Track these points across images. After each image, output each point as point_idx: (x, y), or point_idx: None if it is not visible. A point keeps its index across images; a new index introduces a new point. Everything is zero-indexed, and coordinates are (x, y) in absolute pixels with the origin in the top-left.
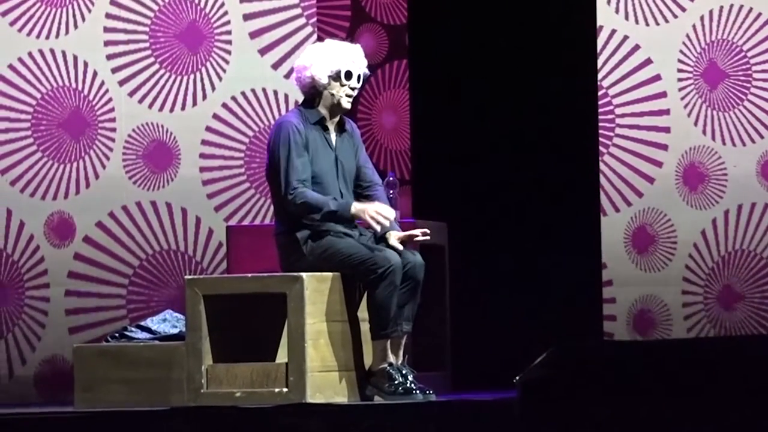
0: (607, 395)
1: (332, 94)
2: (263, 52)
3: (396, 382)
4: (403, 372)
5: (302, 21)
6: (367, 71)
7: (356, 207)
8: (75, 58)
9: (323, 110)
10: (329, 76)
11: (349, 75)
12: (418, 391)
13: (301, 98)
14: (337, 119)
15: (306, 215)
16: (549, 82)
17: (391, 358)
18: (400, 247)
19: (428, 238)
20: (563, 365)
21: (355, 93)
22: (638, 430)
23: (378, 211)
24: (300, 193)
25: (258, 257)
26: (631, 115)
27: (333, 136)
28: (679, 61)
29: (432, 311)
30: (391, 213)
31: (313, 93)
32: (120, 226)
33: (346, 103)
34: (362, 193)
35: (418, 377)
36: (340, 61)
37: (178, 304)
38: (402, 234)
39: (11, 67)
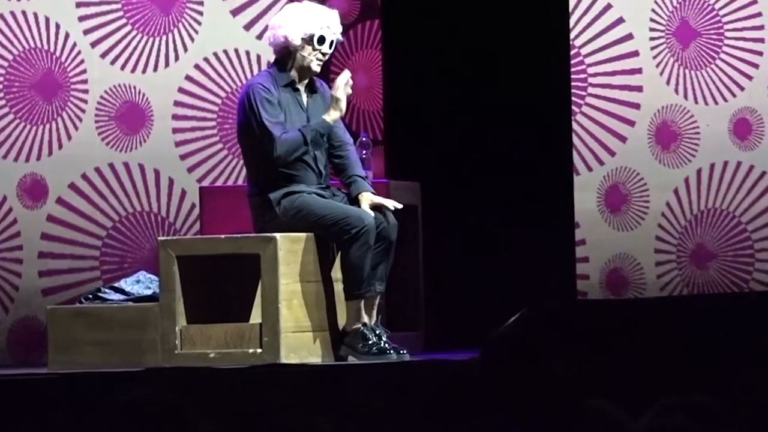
0: (570, 353)
1: (303, 56)
2: (235, 12)
3: (370, 342)
4: (377, 332)
5: None
6: (340, 37)
7: (330, 116)
8: (47, 19)
9: (293, 73)
10: (302, 39)
11: (321, 40)
12: (392, 351)
13: (273, 59)
14: (306, 81)
15: (294, 154)
16: (521, 42)
17: (365, 318)
18: (371, 213)
19: (400, 207)
20: (527, 324)
21: (326, 58)
22: (598, 387)
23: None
24: (280, 141)
25: (231, 218)
26: (603, 74)
27: (304, 97)
28: (651, 20)
29: (405, 271)
30: (346, 78)
31: (284, 53)
32: (93, 187)
33: (316, 67)
34: (333, 153)
35: (392, 337)
36: (314, 24)
37: (152, 265)
38: (375, 200)
39: None
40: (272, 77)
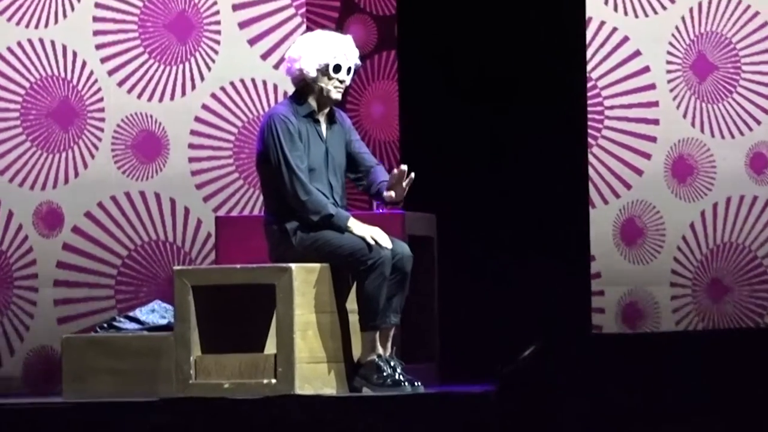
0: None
1: (321, 87)
2: (252, 42)
3: (384, 373)
4: (392, 364)
5: (291, 11)
6: (358, 62)
7: (353, 223)
8: (64, 47)
9: (313, 102)
10: (317, 70)
11: (337, 68)
12: (406, 383)
13: (290, 89)
14: (327, 111)
15: (304, 212)
16: (538, 75)
17: (380, 350)
18: (389, 245)
19: (412, 176)
20: (549, 359)
21: (344, 85)
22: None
23: (374, 236)
24: (306, 188)
25: (246, 248)
26: (620, 107)
27: (323, 128)
28: (668, 53)
29: (420, 303)
30: (387, 243)
31: (302, 84)
32: (109, 216)
33: (336, 95)
34: (363, 178)
35: (407, 369)
36: (328, 54)
37: (167, 294)
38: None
39: (0, 56)
40: (292, 107)
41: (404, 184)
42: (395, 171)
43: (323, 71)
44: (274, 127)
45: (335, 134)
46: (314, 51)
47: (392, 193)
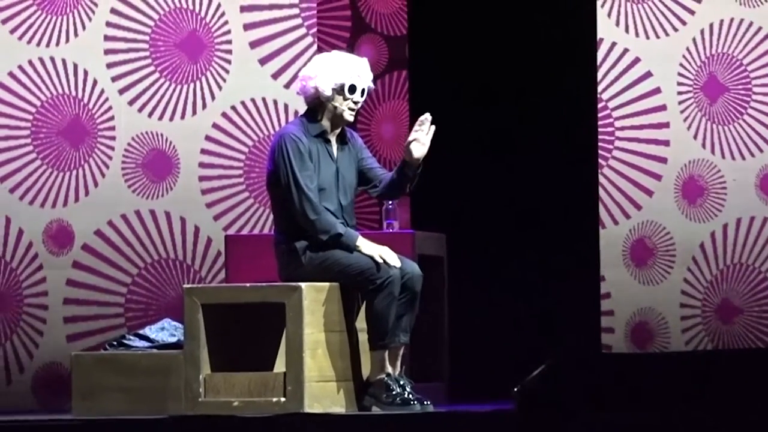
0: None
1: (335, 107)
2: (263, 61)
3: (394, 392)
4: (401, 383)
5: (302, 31)
6: (371, 85)
7: (362, 241)
8: (75, 66)
9: (325, 122)
10: (333, 89)
11: (353, 89)
12: (415, 402)
13: (301, 108)
14: (338, 131)
15: (313, 231)
16: (549, 95)
17: (389, 369)
18: (398, 263)
19: (428, 118)
20: (561, 378)
21: (358, 106)
22: None
23: (383, 256)
24: (315, 208)
25: (256, 267)
26: (630, 128)
27: (334, 148)
28: (679, 74)
29: (430, 322)
30: (396, 262)
31: (316, 104)
32: (119, 234)
33: (349, 116)
34: (376, 186)
35: (416, 388)
36: (344, 74)
37: (177, 312)
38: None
39: (11, 74)
40: (304, 126)
41: (427, 133)
42: (420, 119)
43: (339, 91)
44: (285, 146)
45: (346, 154)
46: (331, 70)
47: (412, 149)
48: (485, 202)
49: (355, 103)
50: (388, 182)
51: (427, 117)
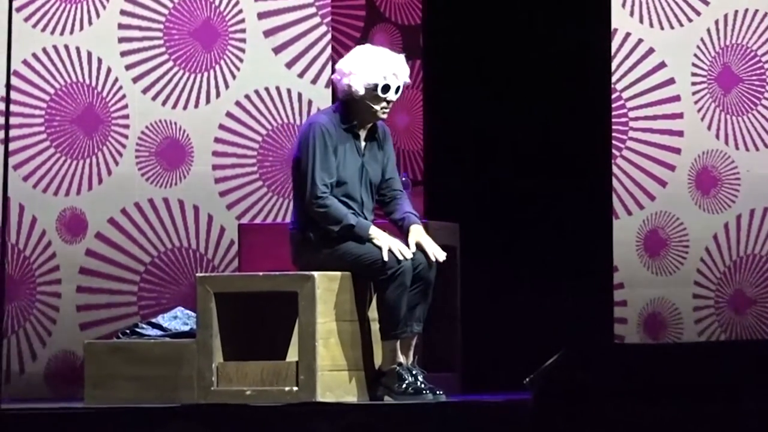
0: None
1: (368, 105)
2: (277, 50)
3: (406, 382)
4: (413, 372)
5: (317, 20)
6: (407, 80)
7: (374, 231)
8: (89, 54)
9: (357, 118)
10: (366, 88)
11: (386, 89)
12: (428, 392)
13: (315, 97)
14: (369, 126)
15: (324, 223)
16: (563, 85)
17: (401, 359)
18: (409, 255)
19: (442, 259)
20: (578, 368)
21: (391, 105)
22: None
23: (394, 246)
24: (323, 201)
25: (269, 256)
26: (644, 118)
27: (362, 143)
28: (693, 65)
29: (443, 312)
30: (408, 253)
31: (348, 99)
32: (132, 222)
33: (382, 115)
34: (384, 200)
35: (429, 378)
36: (378, 73)
37: (190, 301)
38: (422, 240)
39: (25, 62)
40: (335, 118)
41: (430, 255)
42: (438, 255)
43: (371, 90)
44: (312, 136)
45: (374, 150)
46: (365, 69)
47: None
48: (499, 192)
49: (389, 102)
50: (389, 213)
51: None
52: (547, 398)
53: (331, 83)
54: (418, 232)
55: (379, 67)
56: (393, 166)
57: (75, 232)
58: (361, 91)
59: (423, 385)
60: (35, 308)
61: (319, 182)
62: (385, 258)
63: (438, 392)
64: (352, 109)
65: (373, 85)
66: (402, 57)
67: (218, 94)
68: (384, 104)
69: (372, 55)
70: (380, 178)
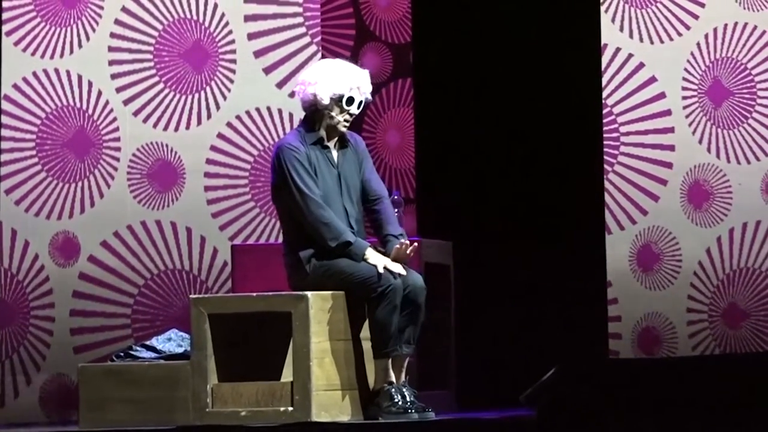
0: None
1: (331, 116)
2: (268, 71)
3: (394, 401)
4: (403, 391)
5: (307, 40)
6: (369, 97)
7: (371, 253)
8: (80, 77)
9: (322, 131)
10: (331, 98)
11: (350, 101)
12: (413, 411)
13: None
14: (336, 138)
15: (323, 235)
16: (554, 101)
17: (392, 377)
18: (403, 273)
19: (415, 246)
20: (578, 384)
21: (353, 118)
22: None
23: (387, 266)
24: (323, 212)
25: (263, 276)
26: (635, 133)
27: (335, 154)
28: (684, 79)
29: (437, 330)
30: (401, 271)
31: (312, 110)
32: (125, 245)
33: (343, 127)
34: (369, 207)
35: (423, 396)
36: (344, 85)
37: (183, 323)
38: (397, 254)
39: (16, 86)
40: (301, 135)
41: (408, 252)
42: (398, 246)
43: (336, 101)
44: (283, 158)
45: (348, 158)
46: (331, 79)
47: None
48: (491, 210)
49: (351, 115)
50: (374, 225)
51: (406, 244)
52: (550, 415)
53: (294, 95)
54: (392, 253)
55: (346, 79)
56: (370, 168)
57: (68, 255)
58: (326, 101)
59: (410, 405)
60: (29, 332)
61: (311, 196)
62: (381, 273)
63: (427, 410)
64: (316, 120)
65: (339, 96)
66: (367, 72)
67: (209, 116)
68: (347, 116)
69: (338, 67)
70: (360, 184)
